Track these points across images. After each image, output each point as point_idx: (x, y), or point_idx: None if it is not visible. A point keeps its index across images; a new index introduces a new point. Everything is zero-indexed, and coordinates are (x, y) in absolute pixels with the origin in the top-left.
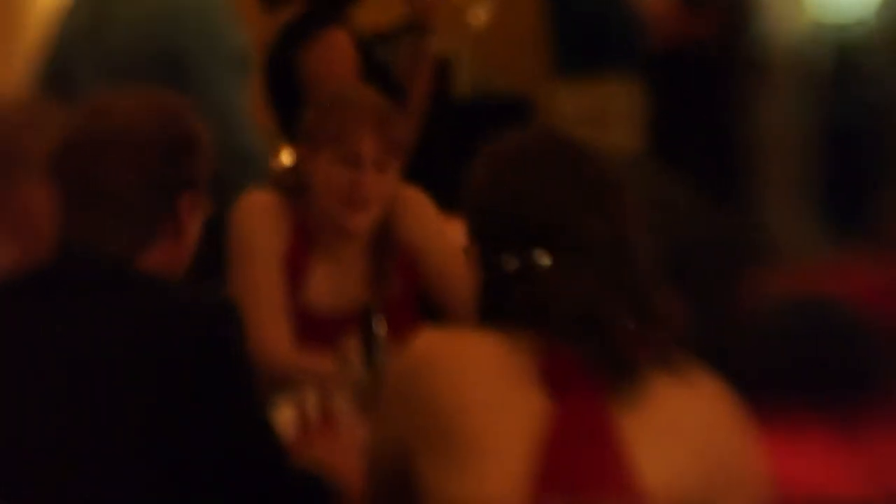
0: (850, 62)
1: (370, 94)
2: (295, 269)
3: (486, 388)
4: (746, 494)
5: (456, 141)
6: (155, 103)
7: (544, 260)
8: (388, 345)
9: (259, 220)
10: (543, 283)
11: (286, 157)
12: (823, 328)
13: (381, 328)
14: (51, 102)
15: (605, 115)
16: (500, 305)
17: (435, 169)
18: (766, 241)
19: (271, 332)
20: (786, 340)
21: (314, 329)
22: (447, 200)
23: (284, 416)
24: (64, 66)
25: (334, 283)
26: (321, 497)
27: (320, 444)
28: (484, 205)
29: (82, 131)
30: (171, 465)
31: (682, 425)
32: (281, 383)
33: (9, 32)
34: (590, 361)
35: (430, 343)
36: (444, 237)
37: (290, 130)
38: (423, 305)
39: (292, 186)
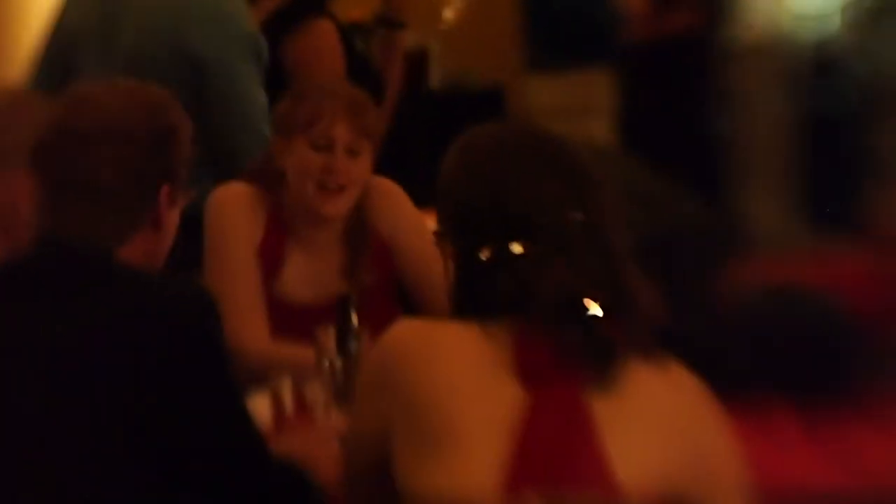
0: (828, 53)
1: (342, 82)
2: (270, 260)
3: (461, 377)
4: (725, 485)
5: (430, 132)
6: (136, 95)
7: (519, 249)
8: (363, 334)
9: (233, 211)
10: (519, 272)
11: None
12: (799, 317)
13: (356, 318)
14: (34, 94)
15: (578, 107)
16: (475, 296)
17: (409, 160)
18: (744, 232)
19: (247, 324)
20: (761, 330)
21: (290, 319)
22: (421, 191)
23: (260, 407)
24: (67, 59)
25: (309, 273)
26: (300, 488)
27: (296, 434)
28: (459, 196)
29: (63, 122)
30: (149, 458)
31: (658, 415)
32: (257, 374)
33: (8, 27)
34: (565, 351)
35: (406, 332)
36: (418, 227)
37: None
38: (400, 295)
39: (267, 176)
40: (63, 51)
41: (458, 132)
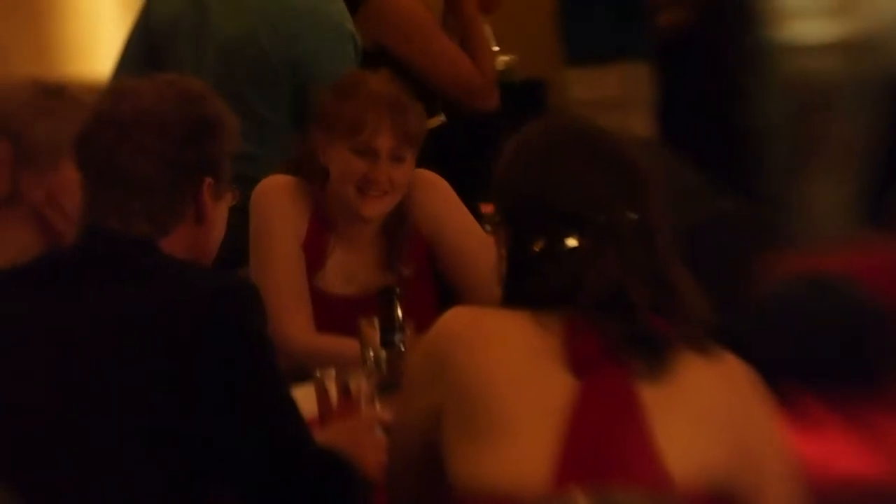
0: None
1: (387, 82)
2: (313, 253)
3: (513, 365)
4: (772, 476)
5: (470, 124)
6: (173, 86)
7: (571, 242)
8: (407, 326)
9: (278, 203)
10: (571, 264)
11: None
12: (831, 307)
13: (400, 310)
14: (72, 88)
15: (617, 100)
16: (527, 286)
17: (451, 152)
18: (783, 224)
19: (292, 315)
20: (794, 320)
21: (331, 312)
22: (463, 183)
23: (305, 397)
24: (153, 53)
25: (351, 266)
26: (345, 477)
27: (340, 424)
28: (516, 189)
29: (101, 113)
30: (194, 447)
31: (707, 406)
32: (301, 365)
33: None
34: (615, 341)
35: (459, 320)
36: (461, 219)
37: None
38: (440, 288)
39: (310, 169)
40: (149, 45)
41: (499, 124)
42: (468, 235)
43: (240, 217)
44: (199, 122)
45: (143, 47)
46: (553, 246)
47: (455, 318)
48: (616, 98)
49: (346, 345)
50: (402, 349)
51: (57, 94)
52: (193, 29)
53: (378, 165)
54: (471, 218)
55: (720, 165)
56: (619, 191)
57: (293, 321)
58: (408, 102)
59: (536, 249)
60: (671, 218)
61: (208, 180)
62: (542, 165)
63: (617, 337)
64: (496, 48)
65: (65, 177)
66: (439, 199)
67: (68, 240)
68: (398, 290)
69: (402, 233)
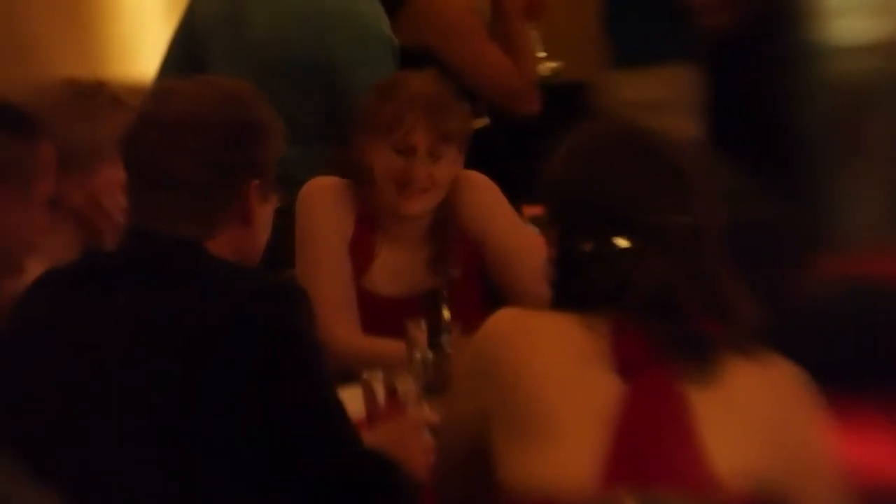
0: None
1: (427, 81)
2: (360, 253)
3: (560, 367)
4: (820, 480)
5: (515, 126)
6: (218, 88)
7: (622, 244)
8: (453, 328)
9: (324, 204)
10: (620, 266)
11: None
12: (878, 312)
13: (447, 312)
14: (112, 89)
15: (661, 102)
16: (575, 287)
17: (495, 154)
18: (830, 228)
19: (339, 317)
20: (840, 325)
21: (379, 313)
22: (508, 184)
23: (352, 399)
24: (195, 54)
25: (398, 267)
26: (392, 479)
27: (388, 426)
28: (564, 190)
29: (145, 115)
30: (241, 450)
31: (754, 409)
32: (348, 367)
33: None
34: (662, 343)
35: (506, 321)
36: (508, 220)
37: None
38: (487, 289)
39: (355, 170)
40: (191, 46)
41: (542, 127)
42: (515, 235)
43: (279, 218)
44: (245, 124)
45: (186, 48)
46: (602, 247)
47: (502, 320)
48: (661, 100)
49: (392, 346)
50: (449, 351)
51: (92, 95)
52: (230, 29)
53: (415, 162)
54: (517, 218)
55: (763, 167)
56: (668, 192)
57: (339, 323)
58: (447, 101)
59: (585, 250)
60: (719, 220)
61: (254, 182)
62: (592, 167)
63: (664, 339)
64: (543, 54)
65: (104, 178)
66: (486, 199)
67: (109, 239)
68: (444, 292)
69: (449, 233)
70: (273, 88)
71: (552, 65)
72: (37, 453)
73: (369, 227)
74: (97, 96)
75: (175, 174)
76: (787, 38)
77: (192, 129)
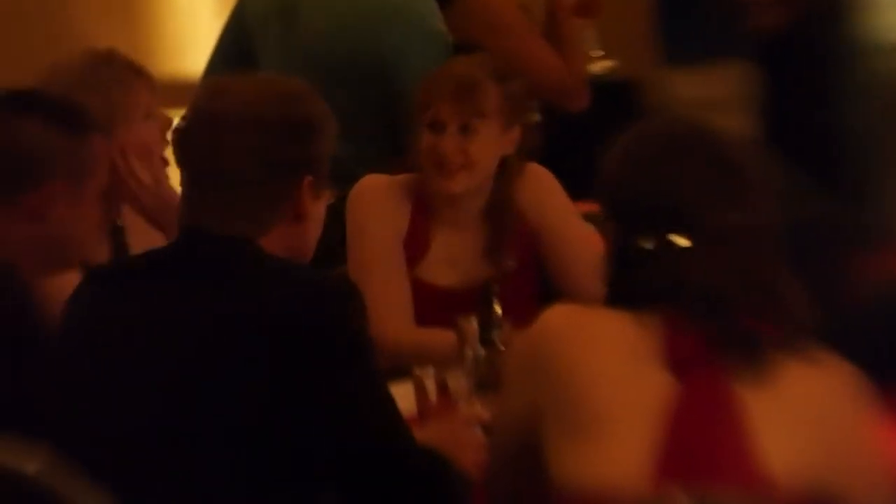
0: None
1: (465, 61)
2: (416, 242)
3: (613, 364)
4: (872, 479)
5: (566, 123)
6: (273, 85)
7: (681, 242)
8: (505, 324)
9: (375, 201)
10: (674, 262)
11: None
12: None
13: (498, 307)
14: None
15: (712, 100)
16: (630, 284)
17: (545, 150)
18: (875, 226)
19: (391, 313)
20: (892, 323)
21: (434, 303)
22: (562, 181)
23: (403, 395)
24: (244, 49)
25: (454, 254)
26: (444, 475)
27: (439, 422)
28: (622, 187)
29: (203, 111)
30: (292, 445)
31: (808, 408)
32: (401, 363)
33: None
34: (717, 343)
35: (560, 317)
36: (564, 210)
37: None
38: (542, 282)
39: (413, 160)
40: (242, 41)
41: (594, 124)
42: (572, 229)
43: (331, 215)
44: (301, 122)
45: (236, 42)
46: (658, 245)
47: (556, 316)
48: (715, 98)
49: (443, 338)
50: (501, 347)
51: (107, 62)
52: (282, 24)
53: (445, 138)
54: (575, 212)
55: (814, 165)
56: (727, 191)
57: (392, 319)
58: (481, 78)
59: (643, 248)
60: (775, 219)
61: (308, 179)
62: (651, 165)
63: (718, 338)
64: (599, 52)
65: (119, 142)
66: (545, 189)
67: (146, 205)
68: (496, 287)
69: (505, 221)
70: (325, 84)
71: (608, 63)
72: (91, 451)
73: (425, 214)
74: (111, 63)
75: (231, 171)
76: (837, 36)
77: (249, 126)
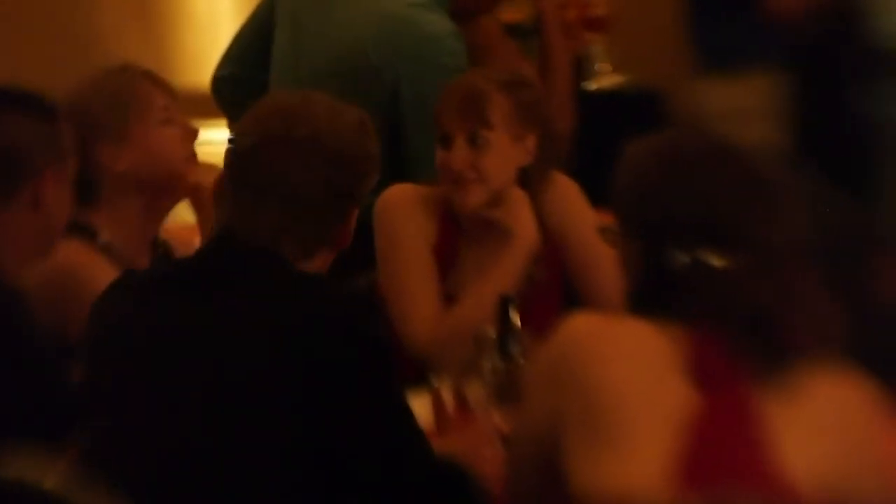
0: None
1: (475, 73)
2: (445, 256)
3: (636, 375)
4: (889, 492)
5: (586, 134)
6: (347, 116)
7: (716, 260)
8: (524, 336)
9: (403, 211)
10: (716, 283)
11: None
12: None
13: (517, 319)
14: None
15: (739, 110)
16: (655, 299)
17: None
18: None
19: (423, 319)
20: None
21: None
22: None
23: (421, 407)
24: (259, 48)
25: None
26: (463, 487)
27: (458, 433)
28: (651, 201)
29: (274, 131)
30: (312, 456)
31: (833, 421)
32: (423, 372)
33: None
34: (741, 354)
35: (584, 327)
36: (588, 220)
37: None
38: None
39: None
40: (264, 29)
41: (615, 134)
42: (595, 241)
43: None
44: (364, 155)
45: (258, 36)
46: (685, 261)
47: (579, 325)
48: (747, 108)
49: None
50: (520, 360)
51: (121, 71)
52: (304, 21)
53: (454, 151)
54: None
55: (844, 170)
56: (761, 207)
57: (424, 325)
58: (488, 90)
59: (672, 264)
60: (806, 234)
61: (356, 210)
62: (682, 179)
63: (743, 350)
64: (608, 66)
65: (141, 142)
66: (569, 199)
67: (172, 193)
68: (515, 299)
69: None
70: (339, 91)
71: (616, 77)
72: (120, 459)
73: (453, 229)
74: (125, 70)
75: (294, 196)
76: (865, 39)
77: (321, 156)
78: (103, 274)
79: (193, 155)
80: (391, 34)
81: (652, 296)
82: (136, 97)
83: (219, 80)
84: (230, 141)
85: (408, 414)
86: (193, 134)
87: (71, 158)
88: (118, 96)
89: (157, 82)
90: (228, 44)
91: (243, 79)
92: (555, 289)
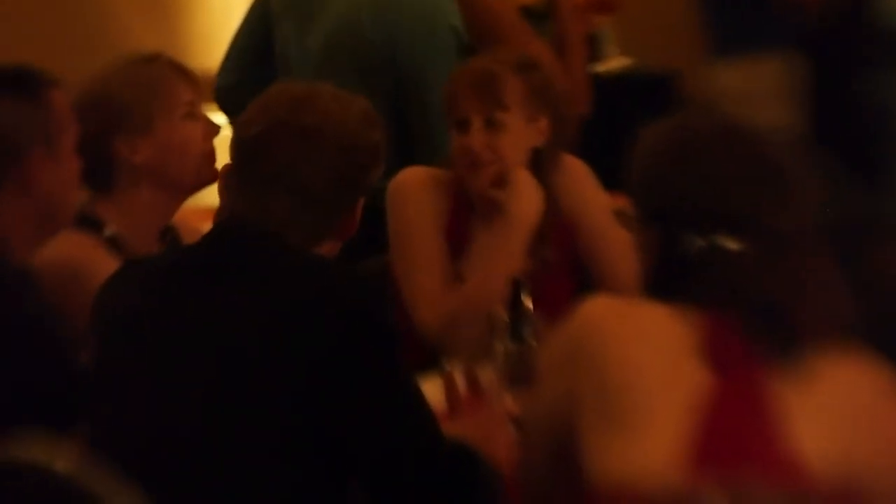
0: None
1: (486, 55)
2: (457, 239)
3: (652, 358)
4: None
5: (598, 117)
6: (357, 107)
7: (732, 245)
8: (536, 319)
9: (415, 194)
10: (731, 268)
11: None
12: None
13: (529, 302)
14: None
15: (750, 93)
16: (675, 282)
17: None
18: None
19: (434, 302)
20: None
21: None
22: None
23: (433, 390)
24: (262, 41)
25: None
26: (474, 470)
27: (469, 417)
28: (667, 185)
29: (283, 121)
30: (321, 441)
31: (844, 404)
32: (432, 356)
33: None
34: (757, 339)
35: (600, 310)
36: (601, 203)
37: None
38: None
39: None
40: (259, 32)
41: (622, 117)
42: (609, 220)
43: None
44: (373, 146)
45: (253, 41)
46: (707, 247)
47: (595, 308)
48: (756, 91)
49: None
50: (532, 343)
51: (150, 61)
52: (305, 9)
53: (471, 134)
54: (612, 206)
55: (857, 156)
56: (776, 193)
57: (433, 307)
58: (500, 71)
59: (688, 248)
60: (819, 219)
61: (361, 200)
62: (698, 162)
63: (757, 334)
64: (616, 49)
65: (163, 135)
66: (582, 182)
67: (187, 188)
68: (526, 282)
69: (546, 216)
70: (340, 73)
71: (623, 60)
72: (126, 445)
73: (465, 212)
74: (154, 61)
75: (304, 185)
76: (878, 25)
77: (333, 146)
78: (106, 268)
79: (213, 151)
80: (387, 10)
81: (667, 280)
82: (162, 90)
83: (220, 90)
84: (237, 129)
85: (417, 396)
86: (215, 130)
87: (65, 134)
88: (145, 87)
89: (184, 75)
90: (224, 55)
91: (245, 85)
92: (566, 271)
